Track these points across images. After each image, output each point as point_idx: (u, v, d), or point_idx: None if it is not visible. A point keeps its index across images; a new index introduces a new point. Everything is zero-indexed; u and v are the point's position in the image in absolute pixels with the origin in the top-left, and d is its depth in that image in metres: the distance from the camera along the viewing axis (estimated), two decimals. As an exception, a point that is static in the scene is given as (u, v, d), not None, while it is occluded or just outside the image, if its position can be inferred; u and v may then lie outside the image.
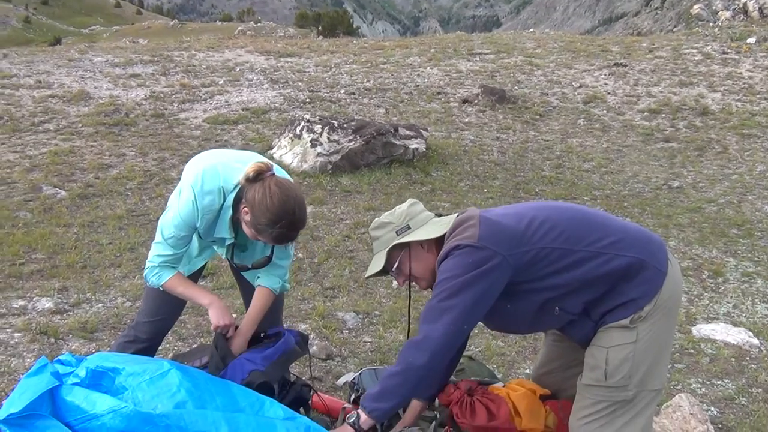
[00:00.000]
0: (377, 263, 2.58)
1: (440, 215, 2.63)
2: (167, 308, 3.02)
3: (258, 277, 2.94)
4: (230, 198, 2.65)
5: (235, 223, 2.71)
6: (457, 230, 2.44)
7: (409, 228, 2.53)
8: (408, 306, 2.86)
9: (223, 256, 3.02)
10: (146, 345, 3.03)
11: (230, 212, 2.67)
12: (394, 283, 2.74)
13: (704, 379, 4.02)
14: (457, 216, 2.55)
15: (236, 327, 2.85)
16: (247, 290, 3.04)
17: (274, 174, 2.60)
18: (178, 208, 2.66)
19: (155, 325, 3.03)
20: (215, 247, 2.95)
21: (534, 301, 2.43)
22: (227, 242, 2.79)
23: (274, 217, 2.51)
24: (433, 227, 2.55)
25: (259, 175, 2.55)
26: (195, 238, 2.86)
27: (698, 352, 4.33)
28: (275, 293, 2.93)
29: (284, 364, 2.83)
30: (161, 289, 2.81)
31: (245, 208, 2.57)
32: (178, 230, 2.68)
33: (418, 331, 2.43)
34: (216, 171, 2.66)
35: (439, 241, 2.53)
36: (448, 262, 2.39)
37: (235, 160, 2.72)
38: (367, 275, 2.63)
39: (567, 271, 2.38)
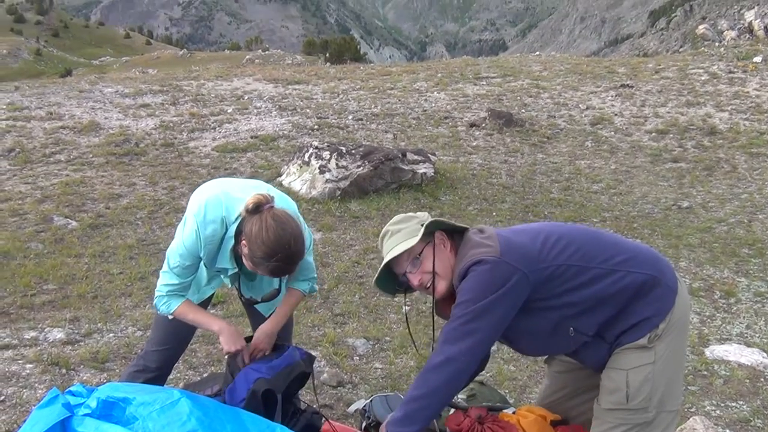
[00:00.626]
0: (410, 238, 2.48)
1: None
2: (176, 337, 3.04)
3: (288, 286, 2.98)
4: (232, 229, 2.66)
5: (237, 254, 2.72)
6: (475, 243, 2.43)
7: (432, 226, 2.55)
8: (432, 328, 2.78)
9: (230, 286, 3.03)
10: (156, 374, 3.03)
11: (232, 243, 2.69)
12: (404, 308, 2.73)
13: (718, 401, 3.98)
14: (471, 229, 2.55)
15: (248, 350, 2.86)
16: (257, 320, 3.06)
17: (272, 206, 2.60)
18: (182, 238, 2.69)
19: (164, 353, 3.04)
20: (222, 277, 2.96)
21: (549, 319, 2.42)
22: (230, 272, 2.80)
23: (270, 250, 2.51)
24: (455, 223, 2.58)
25: (257, 208, 2.55)
26: (202, 266, 2.88)
27: (712, 373, 4.30)
28: (305, 294, 3.00)
29: (288, 375, 2.81)
30: (171, 317, 2.83)
31: (243, 241, 2.58)
32: (183, 260, 2.70)
33: (437, 351, 2.38)
34: (219, 201, 2.67)
35: (456, 244, 2.52)
36: (469, 280, 2.36)
37: (239, 190, 2.73)
38: (397, 252, 2.49)
39: (583, 289, 2.38)
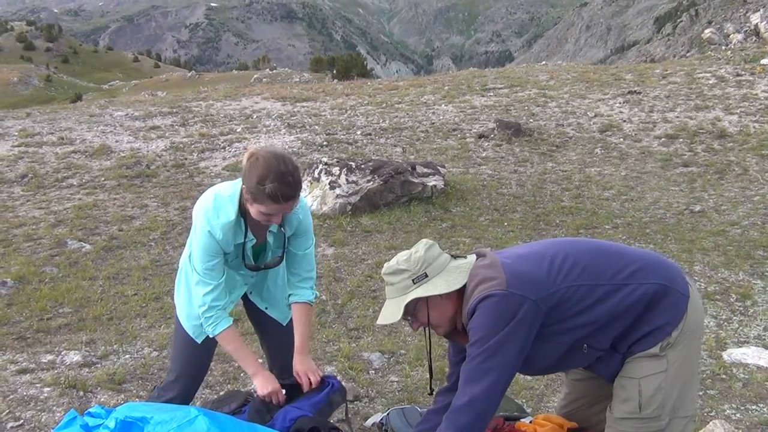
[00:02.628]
0: (393, 312, 2.46)
1: (456, 257, 2.53)
2: (191, 367, 3.06)
3: (290, 295, 3.01)
4: (236, 206, 2.75)
5: (248, 226, 2.80)
6: (481, 278, 2.37)
7: (426, 276, 2.42)
8: (428, 347, 2.78)
9: (245, 273, 3.01)
10: (180, 396, 3.04)
11: (242, 219, 2.76)
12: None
13: (738, 404, 3.95)
14: (476, 260, 2.49)
15: (283, 393, 2.90)
16: (270, 338, 3.08)
17: (264, 148, 2.70)
18: (197, 239, 2.75)
19: (181, 383, 3.05)
20: (230, 259, 2.95)
21: (563, 342, 2.38)
22: (242, 246, 2.83)
23: (262, 173, 2.56)
24: (452, 276, 2.44)
25: (250, 158, 2.64)
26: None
27: (730, 377, 4.26)
28: (311, 304, 3.02)
29: (329, 410, 2.84)
30: (199, 335, 2.89)
31: (243, 188, 2.66)
32: (206, 261, 2.75)
33: (461, 392, 2.35)
34: (223, 188, 2.80)
35: (459, 290, 2.46)
36: (479, 317, 2.32)
37: (233, 183, 2.84)
38: (380, 323, 2.52)
39: (594, 308, 2.34)
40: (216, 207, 2.74)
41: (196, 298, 2.82)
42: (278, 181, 2.56)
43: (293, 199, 2.65)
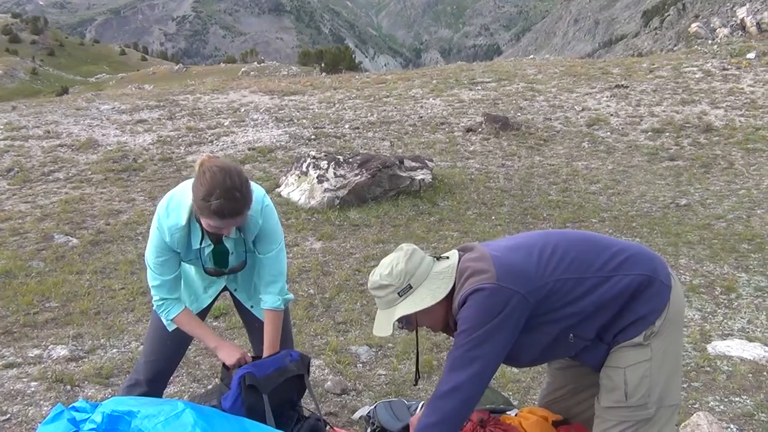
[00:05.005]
0: (384, 326, 2.46)
1: (438, 257, 2.52)
2: (164, 348, 3.05)
3: (260, 300, 2.99)
4: (190, 212, 2.74)
5: (204, 231, 2.78)
6: (471, 271, 2.39)
7: (411, 288, 2.40)
8: (416, 342, 2.80)
9: (206, 265, 2.97)
10: (147, 388, 3.04)
11: (197, 225, 2.76)
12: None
13: (722, 396, 3.99)
14: (461, 255, 2.50)
15: (250, 356, 2.92)
16: (255, 335, 3.11)
17: (217, 159, 2.70)
18: (151, 235, 2.80)
19: (153, 365, 3.06)
20: (193, 267, 2.98)
21: (549, 332, 2.41)
22: (201, 252, 2.83)
23: (209, 188, 2.54)
24: (436, 284, 2.43)
25: (199, 169, 2.63)
26: (197, 272, 2.96)
27: (714, 369, 4.31)
28: (280, 310, 2.97)
29: (278, 377, 2.83)
30: (170, 328, 2.91)
31: (192, 200, 2.65)
32: (156, 256, 2.79)
33: (444, 379, 2.37)
34: (183, 189, 2.77)
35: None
36: (468, 309, 2.34)
37: None
38: (375, 334, 2.52)
39: (581, 299, 2.38)
40: (168, 208, 2.75)
41: (150, 289, 2.88)
42: (224, 198, 2.53)
43: (240, 215, 2.63)
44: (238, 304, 3.16)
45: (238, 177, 2.59)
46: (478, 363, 2.32)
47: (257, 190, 2.80)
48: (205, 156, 2.69)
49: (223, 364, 2.91)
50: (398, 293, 2.41)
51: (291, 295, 3.05)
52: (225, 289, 3.12)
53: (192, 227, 2.77)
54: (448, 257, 2.51)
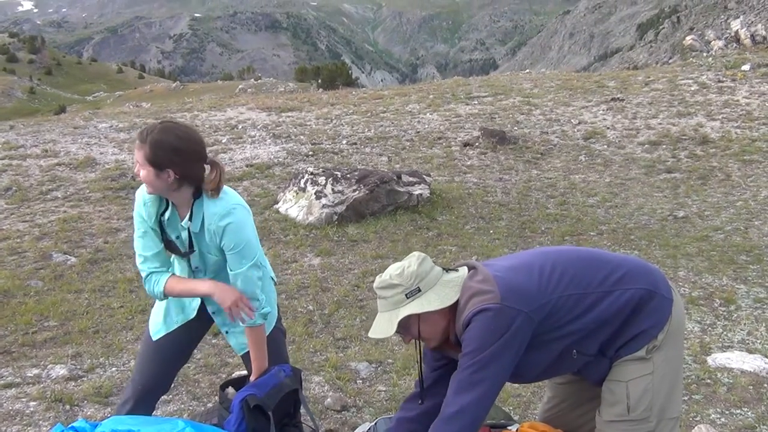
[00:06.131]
0: (385, 327, 2.46)
1: (447, 269, 2.53)
2: (152, 366, 3.02)
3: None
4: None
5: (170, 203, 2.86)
6: (474, 291, 2.39)
7: (420, 291, 2.41)
8: (419, 358, 2.76)
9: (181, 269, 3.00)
10: (133, 406, 2.99)
11: (164, 200, 2.86)
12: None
13: (723, 409, 3.98)
14: (467, 273, 2.49)
15: (245, 376, 2.93)
16: (245, 355, 3.10)
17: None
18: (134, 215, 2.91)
19: (140, 383, 3.02)
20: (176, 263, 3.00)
21: (553, 350, 2.42)
22: (167, 216, 2.88)
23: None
24: (445, 291, 2.44)
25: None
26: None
27: (715, 381, 4.30)
28: (256, 325, 2.91)
29: (277, 393, 2.84)
30: (157, 329, 2.95)
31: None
32: (137, 230, 2.90)
33: (450, 402, 2.36)
34: None
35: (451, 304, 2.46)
36: (473, 329, 2.34)
37: None
38: (372, 337, 2.51)
39: (583, 316, 2.38)
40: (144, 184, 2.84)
41: (140, 271, 2.93)
42: (154, 129, 2.72)
43: (142, 144, 2.70)
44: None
45: (184, 128, 2.80)
46: (484, 385, 2.32)
47: (228, 203, 2.80)
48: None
49: (221, 386, 2.90)
50: (406, 294, 2.41)
51: (267, 308, 2.96)
52: (203, 314, 3.07)
53: (171, 214, 2.85)
54: (457, 270, 2.52)
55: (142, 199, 2.85)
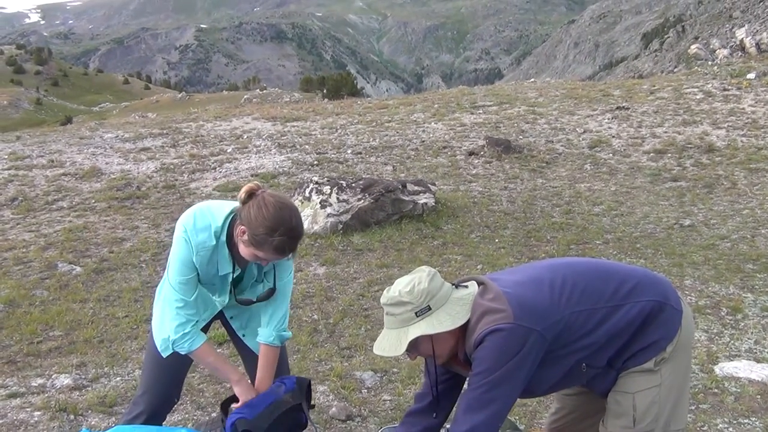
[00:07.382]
0: (394, 345, 2.38)
1: (456, 285, 2.47)
2: (164, 377, 2.99)
3: (257, 331, 2.94)
4: (223, 236, 2.69)
5: (234, 257, 2.73)
6: (485, 309, 2.33)
7: (430, 309, 2.33)
8: (435, 374, 2.65)
9: (225, 302, 2.94)
10: (147, 419, 2.97)
11: (226, 249, 2.71)
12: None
13: (730, 418, 3.95)
14: (477, 289, 2.44)
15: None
16: (249, 364, 3.05)
17: (265, 189, 2.65)
18: (176, 252, 2.69)
19: (153, 395, 2.98)
20: (215, 298, 2.91)
21: (564, 365, 2.39)
22: (229, 277, 2.79)
23: (272, 225, 2.52)
24: (455, 309, 2.36)
25: (252, 194, 2.59)
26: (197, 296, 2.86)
27: (722, 391, 4.27)
28: (275, 346, 2.91)
29: (272, 413, 2.78)
30: (165, 350, 2.81)
31: (241, 227, 2.58)
32: (181, 274, 2.69)
33: (460, 420, 2.32)
34: (209, 209, 2.73)
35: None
36: (486, 349, 2.29)
37: (220, 203, 2.80)
38: (379, 354, 2.42)
39: (595, 330, 2.35)
40: (196, 227, 2.68)
41: (168, 315, 2.77)
42: (287, 236, 2.55)
43: (294, 251, 2.66)
44: (231, 332, 3.10)
45: (297, 214, 2.62)
46: (496, 404, 2.28)
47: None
48: (253, 184, 2.64)
49: (221, 405, 2.87)
50: (416, 313, 2.33)
51: (289, 333, 2.97)
52: (218, 316, 3.04)
53: (220, 251, 2.72)
54: (467, 286, 2.47)
55: (196, 246, 2.68)
